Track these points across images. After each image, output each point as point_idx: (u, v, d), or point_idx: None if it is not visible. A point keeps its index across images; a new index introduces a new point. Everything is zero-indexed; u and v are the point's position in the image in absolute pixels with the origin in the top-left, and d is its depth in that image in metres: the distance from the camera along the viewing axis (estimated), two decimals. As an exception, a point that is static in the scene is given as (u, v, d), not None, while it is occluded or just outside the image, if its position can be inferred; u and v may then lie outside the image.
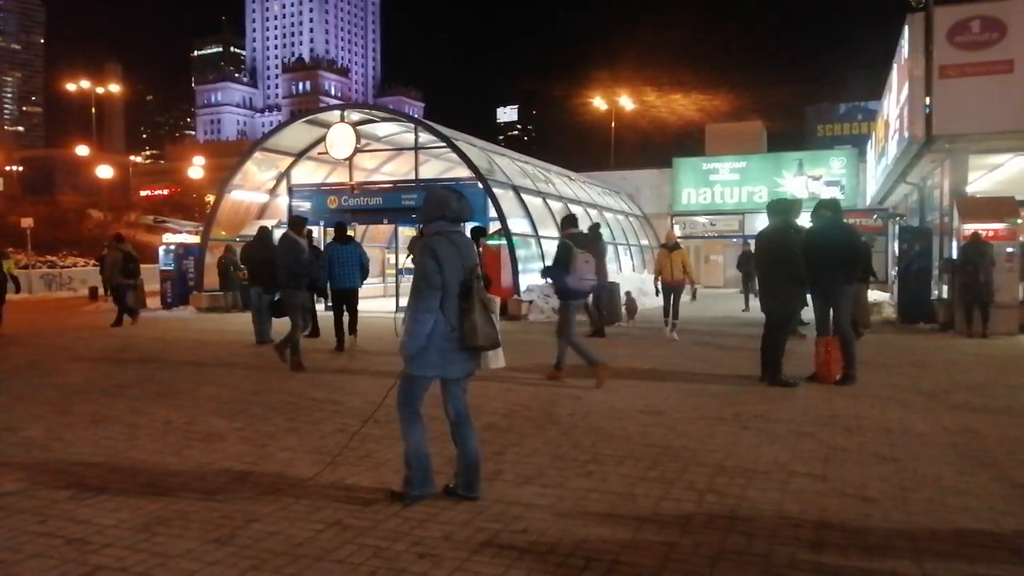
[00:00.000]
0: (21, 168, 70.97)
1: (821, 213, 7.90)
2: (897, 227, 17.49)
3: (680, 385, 7.58)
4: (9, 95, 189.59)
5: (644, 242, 27.03)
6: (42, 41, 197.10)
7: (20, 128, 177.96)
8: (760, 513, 3.86)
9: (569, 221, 8.64)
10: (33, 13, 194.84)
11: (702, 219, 27.82)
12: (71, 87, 48.47)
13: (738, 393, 7.13)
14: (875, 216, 21.11)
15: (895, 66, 15.07)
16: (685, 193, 28.09)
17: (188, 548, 3.43)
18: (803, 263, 7.44)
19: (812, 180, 26.50)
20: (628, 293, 14.36)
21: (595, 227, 12.43)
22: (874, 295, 16.65)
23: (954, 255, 12.48)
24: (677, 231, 27.62)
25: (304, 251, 8.97)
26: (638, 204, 29.19)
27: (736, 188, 27.52)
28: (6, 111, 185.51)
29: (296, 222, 9.37)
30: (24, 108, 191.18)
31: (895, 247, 16.33)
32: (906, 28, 13.12)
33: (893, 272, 16.78)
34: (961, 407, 6.47)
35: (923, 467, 4.67)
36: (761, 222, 7.82)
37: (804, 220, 7.99)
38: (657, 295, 12.26)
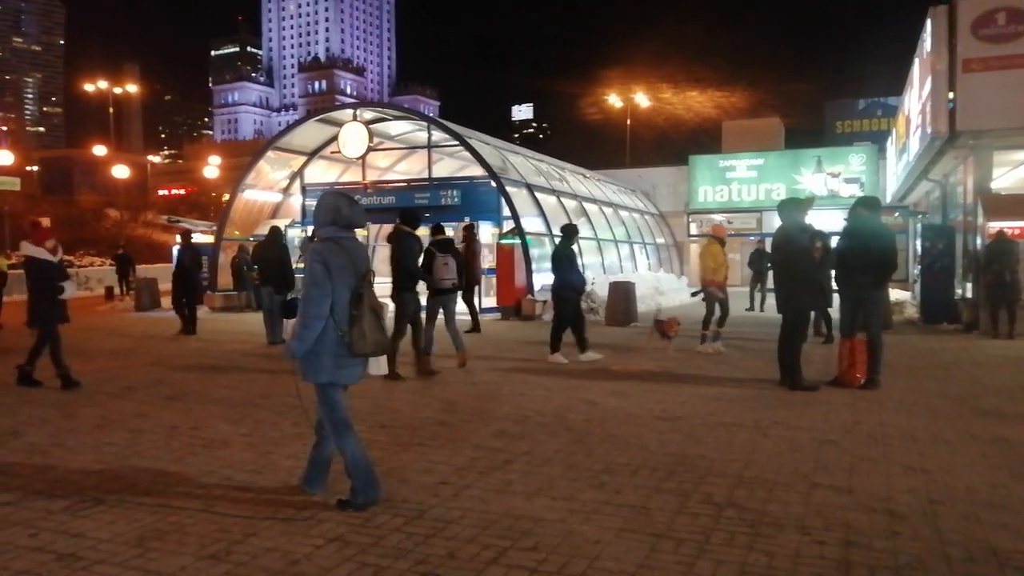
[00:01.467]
0: (39, 168, 71.76)
1: (857, 212, 7.57)
2: (919, 225, 17.11)
3: (698, 389, 7.38)
4: (30, 96, 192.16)
5: (660, 240, 26.74)
6: (62, 42, 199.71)
7: (41, 129, 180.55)
8: (782, 529, 3.66)
9: (437, 229, 9.58)
10: (53, 14, 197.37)
11: (719, 217, 27.41)
12: (90, 88, 48.68)
13: (758, 398, 6.92)
14: (896, 214, 20.67)
15: (917, 60, 14.71)
16: (702, 191, 27.70)
17: (182, 565, 3.29)
18: (813, 262, 7.19)
19: (831, 177, 26.03)
20: (677, 321, 10.09)
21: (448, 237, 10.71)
22: (896, 294, 16.32)
23: (978, 249, 12.15)
24: (693, 228, 27.48)
25: (418, 249, 8.30)
26: (654, 202, 28.88)
27: (753, 185, 27.07)
28: (27, 112, 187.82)
29: (409, 216, 8.40)
30: (44, 109, 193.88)
31: (917, 245, 15.97)
32: (928, 21, 12.79)
33: (915, 271, 16.42)
34: (990, 413, 6.22)
35: (953, 479, 4.45)
36: (779, 220, 7.55)
37: (815, 218, 7.70)
38: (696, 296, 10.87)
